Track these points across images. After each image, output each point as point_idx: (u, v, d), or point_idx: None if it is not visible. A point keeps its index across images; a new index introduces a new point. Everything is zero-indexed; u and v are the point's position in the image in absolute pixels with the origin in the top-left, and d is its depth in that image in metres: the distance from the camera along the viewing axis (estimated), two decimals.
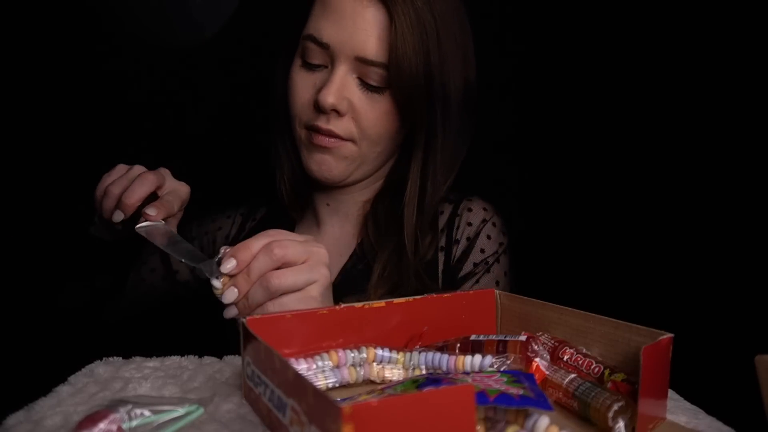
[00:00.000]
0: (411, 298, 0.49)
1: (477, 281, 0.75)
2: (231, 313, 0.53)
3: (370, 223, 0.77)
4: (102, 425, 0.34)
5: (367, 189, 0.80)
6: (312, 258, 0.54)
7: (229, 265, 0.51)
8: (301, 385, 0.32)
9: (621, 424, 0.36)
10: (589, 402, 0.38)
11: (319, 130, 0.69)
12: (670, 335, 0.39)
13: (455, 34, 0.71)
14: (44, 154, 1.00)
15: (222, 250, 0.52)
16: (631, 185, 0.96)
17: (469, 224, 0.78)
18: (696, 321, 0.71)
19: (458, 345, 0.46)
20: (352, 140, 0.71)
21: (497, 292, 0.52)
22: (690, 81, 0.88)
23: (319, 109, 0.68)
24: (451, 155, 0.75)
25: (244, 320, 0.41)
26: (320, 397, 0.29)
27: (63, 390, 0.42)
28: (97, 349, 0.52)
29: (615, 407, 0.36)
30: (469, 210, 0.79)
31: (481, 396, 0.33)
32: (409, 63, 0.66)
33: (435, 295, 0.50)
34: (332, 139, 0.70)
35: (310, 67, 0.70)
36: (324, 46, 0.68)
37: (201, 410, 0.39)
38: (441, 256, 0.76)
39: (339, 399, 0.33)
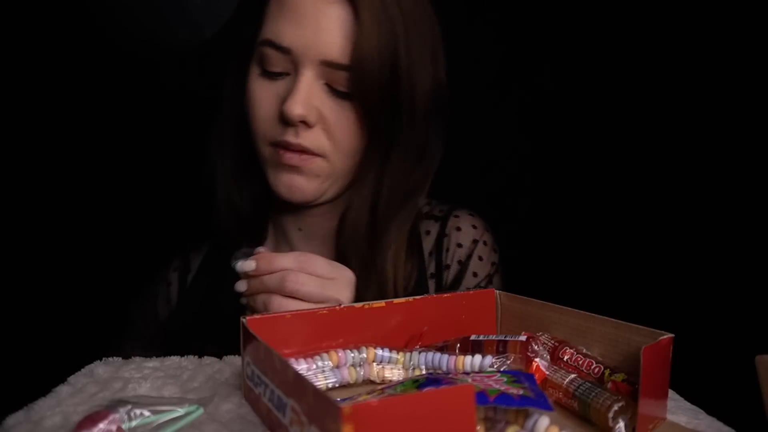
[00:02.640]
0: (411, 298, 0.49)
1: None
2: (241, 299, 0.58)
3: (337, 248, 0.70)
4: (102, 425, 0.34)
5: (338, 210, 0.71)
6: (326, 303, 0.55)
7: (246, 267, 0.55)
8: (301, 385, 0.32)
9: (621, 424, 0.36)
10: (589, 402, 0.38)
11: (288, 146, 0.62)
12: (670, 335, 0.39)
13: (424, 32, 0.64)
14: (42, 155, 0.99)
15: (260, 249, 0.57)
16: (631, 185, 0.96)
17: (459, 246, 0.72)
18: (696, 321, 0.71)
19: (458, 345, 0.46)
20: (323, 155, 0.63)
21: (497, 292, 0.52)
22: (690, 82, 0.88)
23: (285, 121, 0.61)
24: (417, 166, 0.68)
25: (244, 320, 0.41)
26: (320, 397, 0.29)
27: (63, 390, 0.42)
28: (97, 349, 0.52)
29: (615, 407, 0.36)
30: (458, 229, 0.73)
31: (481, 396, 0.33)
32: (373, 64, 0.59)
33: (435, 295, 0.50)
34: (303, 156, 0.63)
35: (270, 75, 0.63)
36: (285, 51, 0.60)
37: (201, 410, 0.39)
38: (431, 284, 0.71)
39: (339, 399, 0.33)
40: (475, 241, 0.73)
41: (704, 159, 0.86)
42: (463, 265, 0.72)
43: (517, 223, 1.05)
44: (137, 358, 0.50)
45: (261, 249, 0.57)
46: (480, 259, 0.72)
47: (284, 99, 0.61)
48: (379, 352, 0.45)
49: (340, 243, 0.67)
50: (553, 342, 0.45)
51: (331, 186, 0.66)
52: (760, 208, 0.78)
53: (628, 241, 0.95)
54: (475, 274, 0.72)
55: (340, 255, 0.67)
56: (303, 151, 0.62)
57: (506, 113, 1.06)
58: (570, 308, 0.46)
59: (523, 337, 0.44)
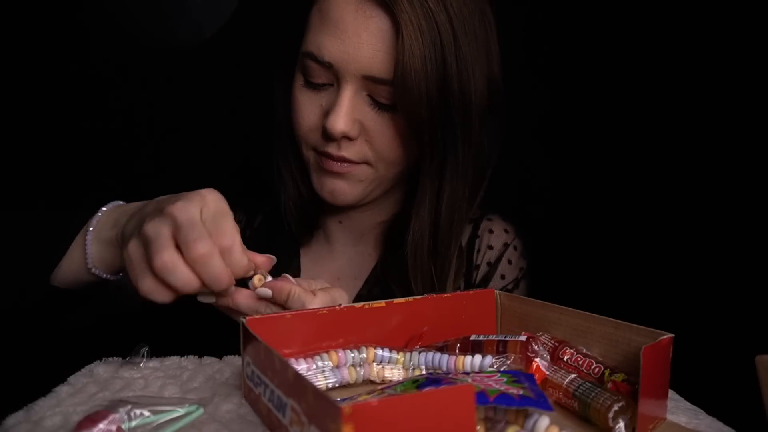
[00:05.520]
0: (411, 298, 0.49)
1: None
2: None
3: (387, 249, 0.71)
4: (102, 425, 0.34)
5: (385, 208, 0.74)
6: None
7: (263, 293, 0.50)
8: (301, 385, 0.32)
9: (621, 424, 0.36)
10: (589, 402, 0.38)
11: (330, 157, 0.63)
12: (670, 335, 0.39)
13: (476, 30, 0.62)
14: (40, 155, 0.99)
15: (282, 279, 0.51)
16: (630, 185, 0.96)
17: (490, 247, 0.74)
18: (696, 321, 0.71)
19: (458, 345, 0.46)
20: (367, 162, 0.64)
21: (497, 292, 0.52)
22: (688, 85, 0.88)
23: (327, 135, 0.62)
24: (475, 169, 0.67)
25: (244, 320, 0.41)
26: (320, 397, 0.29)
27: (62, 390, 0.42)
28: (96, 349, 0.52)
29: (615, 407, 0.36)
30: (491, 231, 0.75)
31: (481, 396, 0.33)
32: (418, 78, 0.58)
33: (435, 295, 0.50)
34: (345, 164, 0.63)
35: (313, 86, 0.63)
36: (326, 65, 0.60)
37: (201, 410, 0.39)
38: (461, 283, 0.72)
39: (339, 399, 0.33)
40: (505, 245, 0.75)
41: (704, 159, 0.86)
42: (492, 266, 0.73)
43: (516, 223, 1.05)
44: (137, 358, 0.50)
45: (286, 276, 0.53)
46: (509, 262, 0.74)
47: (327, 111, 0.62)
48: (379, 352, 0.45)
49: (384, 243, 0.69)
50: (553, 342, 0.45)
51: (375, 189, 0.67)
52: (760, 208, 0.78)
53: (628, 241, 0.95)
54: (503, 277, 0.73)
55: (388, 258, 0.70)
56: (345, 161, 0.63)
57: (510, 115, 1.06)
58: (570, 308, 0.46)
59: (523, 337, 0.44)
